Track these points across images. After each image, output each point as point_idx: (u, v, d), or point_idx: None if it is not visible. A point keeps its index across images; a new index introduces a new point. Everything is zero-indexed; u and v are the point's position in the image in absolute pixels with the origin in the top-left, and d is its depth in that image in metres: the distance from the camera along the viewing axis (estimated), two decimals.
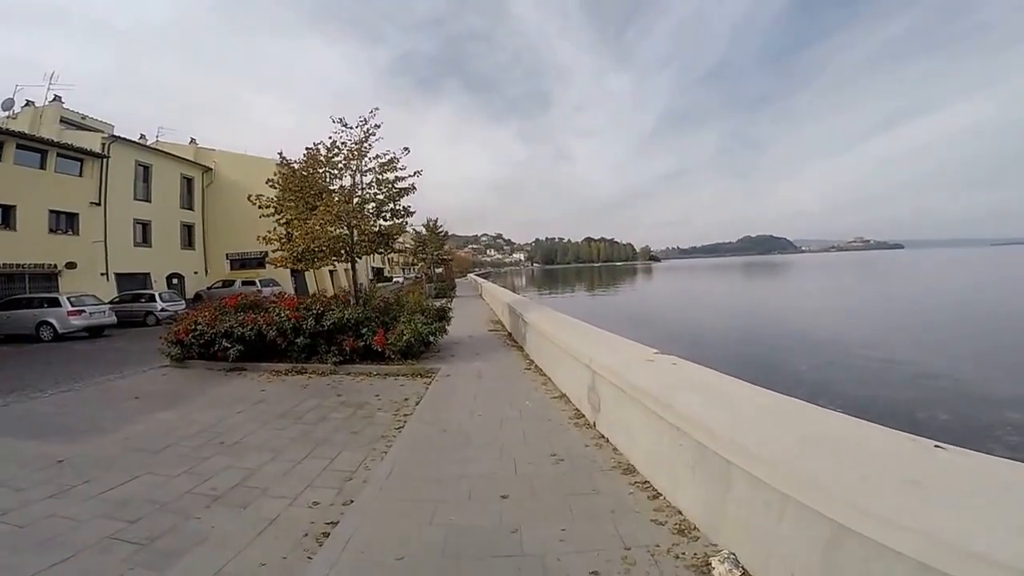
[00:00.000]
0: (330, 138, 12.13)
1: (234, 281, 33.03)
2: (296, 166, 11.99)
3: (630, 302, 51.95)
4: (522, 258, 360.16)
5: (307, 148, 12.18)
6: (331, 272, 49.05)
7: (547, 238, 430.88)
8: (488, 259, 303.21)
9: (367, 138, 12.11)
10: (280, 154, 12.31)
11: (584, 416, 6.63)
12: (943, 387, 14.59)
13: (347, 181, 12.25)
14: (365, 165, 12.19)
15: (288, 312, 10.62)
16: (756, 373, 16.04)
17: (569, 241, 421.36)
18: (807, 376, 16.46)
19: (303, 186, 11.62)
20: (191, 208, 36.65)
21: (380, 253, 12.80)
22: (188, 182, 36.80)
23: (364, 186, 12.24)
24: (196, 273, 36.14)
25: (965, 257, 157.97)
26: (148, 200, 32.51)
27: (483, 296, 31.62)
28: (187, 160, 36.62)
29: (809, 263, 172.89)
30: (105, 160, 29.01)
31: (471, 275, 79.98)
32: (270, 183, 11.99)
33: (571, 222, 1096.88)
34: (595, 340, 7.39)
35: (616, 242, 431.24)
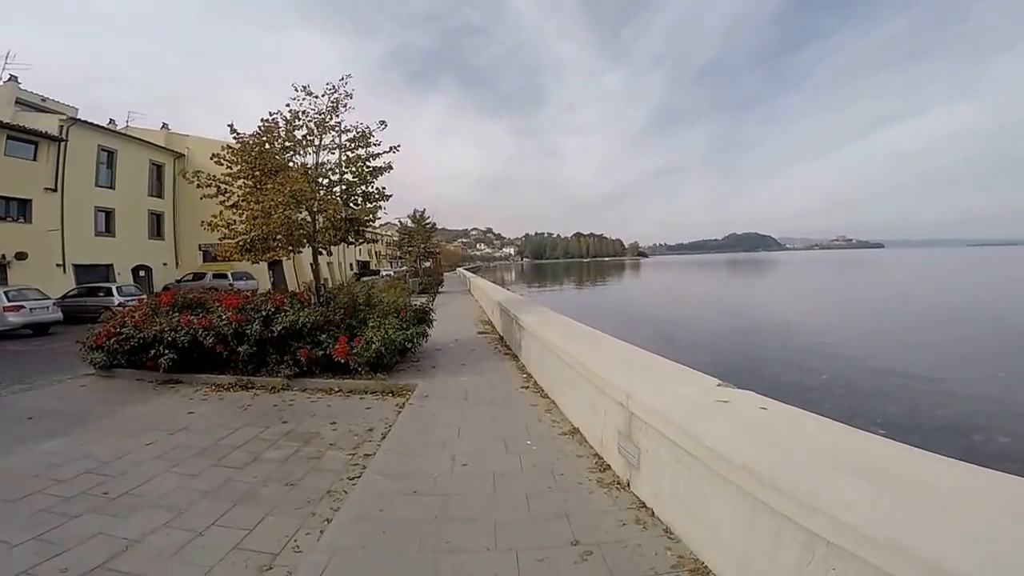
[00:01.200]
0: (289, 107, 10.13)
1: (205, 274, 30.95)
2: (248, 140, 9.97)
3: (619, 298, 50.41)
4: (512, 253, 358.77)
5: (263, 119, 10.17)
6: (313, 265, 47.06)
7: (537, 233, 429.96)
8: (478, 253, 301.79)
9: (336, 108, 10.15)
10: (230, 126, 10.27)
11: (610, 467, 4.77)
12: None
13: (311, 159, 10.26)
14: (332, 140, 10.22)
15: (229, 314, 8.61)
16: (777, 380, 14.61)
17: (559, 236, 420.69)
18: (830, 387, 14.72)
19: (256, 163, 9.61)
20: (160, 196, 34.27)
21: (350, 243, 10.81)
22: (158, 168, 34.40)
23: (331, 165, 10.25)
24: (165, 265, 33.86)
25: (949, 257, 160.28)
26: (112, 187, 30.20)
27: (472, 292, 29.67)
28: (157, 146, 34.17)
29: (794, 260, 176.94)
30: (63, 144, 26.71)
31: (460, 269, 77.92)
32: (216, 159, 9.97)
33: (561, 218, 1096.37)
34: (623, 360, 5.52)
35: (605, 238, 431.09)
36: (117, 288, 22.69)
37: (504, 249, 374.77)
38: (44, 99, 32.01)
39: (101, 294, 22.54)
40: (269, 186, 9.09)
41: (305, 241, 9.66)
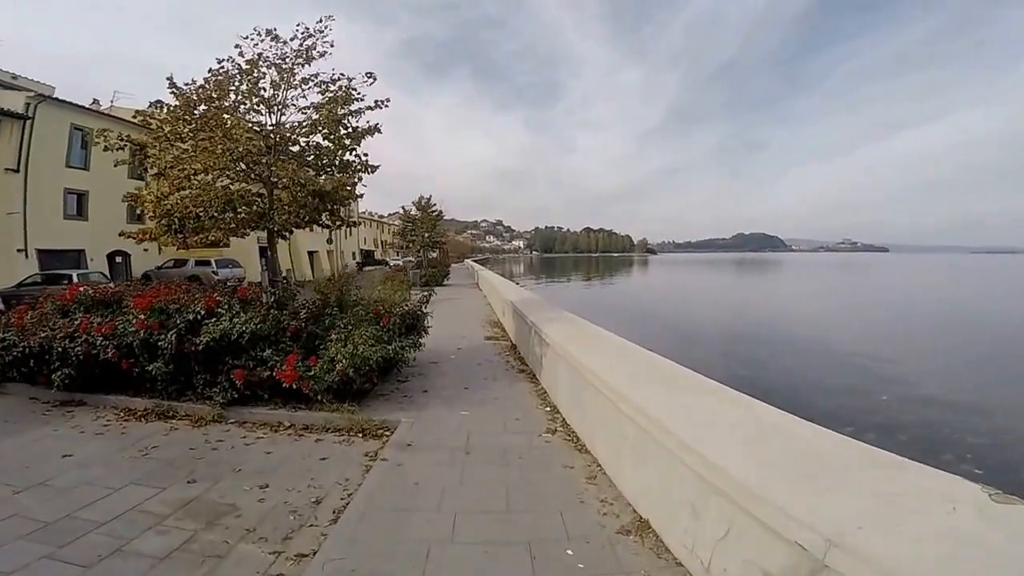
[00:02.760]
0: (239, 50, 7.73)
1: (187, 260, 28.59)
2: (193, 93, 7.56)
3: (632, 295, 47.70)
4: (521, 245, 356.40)
5: (211, 70, 7.77)
6: (270, 253, 44.45)
7: (547, 227, 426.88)
8: (487, 245, 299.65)
9: (307, 54, 7.76)
10: (169, 79, 7.82)
11: None
12: None
13: (271, 119, 7.85)
14: (301, 94, 7.82)
15: (138, 318, 6.23)
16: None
17: (568, 231, 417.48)
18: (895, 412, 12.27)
19: (202, 125, 7.18)
20: (143, 179, 31.74)
21: (325, 225, 8.42)
22: (141, 149, 31.80)
23: (297, 125, 7.83)
24: (146, 251, 31.33)
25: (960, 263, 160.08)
26: (86, 168, 27.84)
27: (480, 286, 27.25)
28: (141, 125, 31.55)
29: (804, 261, 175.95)
30: (28, 122, 24.43)
31: (468, 261, 75.51)
32: (141, 118, 7.60)
33: (571, 212, 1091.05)
34: (755, 431, 3.14)
35: (614, 233, 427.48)
36: (78, 275, 20.45)
37: (513, 242, 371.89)
38: (15, 76, 29.68)
39: (65, 281, 20.30)
40: (201, 140, 6.67)
41: (258, 221, 7.23)
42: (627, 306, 35.21)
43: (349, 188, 7.89)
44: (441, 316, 14.90)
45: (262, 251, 36.85)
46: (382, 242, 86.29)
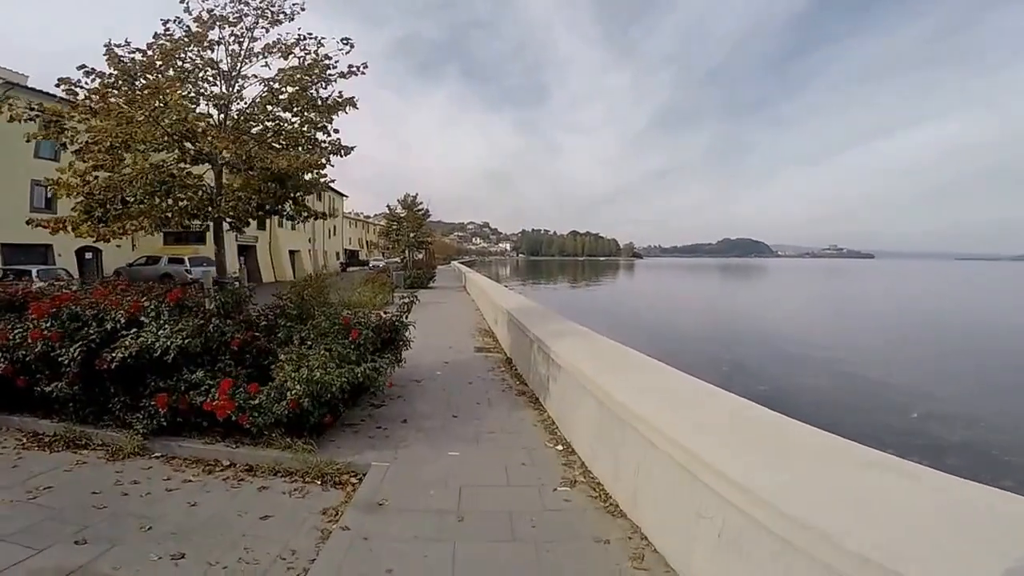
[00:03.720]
0: (187, 5, 6.41)
1: (160, 258, 27.11)
2: (130, 60, 6.20)
3: (619, 300, 46.64)
4: (508, 248, 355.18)
5: (156, 34, 6.40)
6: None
7: (533, 229, 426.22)
8: (474, 247, 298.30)
9: (272, 15, 6.46)
10: (107, 45, 6.42)
11: None
12: None
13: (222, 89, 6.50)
14: (264, 62, 6.50)
15: (39, 327, 4.89)
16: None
17: (555, 233, 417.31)
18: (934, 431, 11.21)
19: (140, 97, 5.81)
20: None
21: (288, 216, 7.07)
22: (56, 122, 30.05)
23: (260, 98, 6.48)
24: (119, 247, 29.70)
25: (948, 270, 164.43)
26: (56, 159, 26.23)
27: (467, 289, 25.93)
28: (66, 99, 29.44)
29: (791, 267, 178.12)
30: None
31: (455, 262, 74.09)
32: (66, 87, 6.24)
33: (558, 215, 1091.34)
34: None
35: (601, 237, 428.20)
36: (38, 272, 18.95)
37: (500, 244, 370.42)
38: None
39: (25, 278, 18.78)
40: (133, 111, 5.32)
41: (204, 208, 5.88)
42: (616, 311, 34.06)
43: (317, 171, 6.57)
44: (426, 323, 13.58)
45: (241, 249, 35.31)
46: (367, 242, 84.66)
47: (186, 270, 25.69)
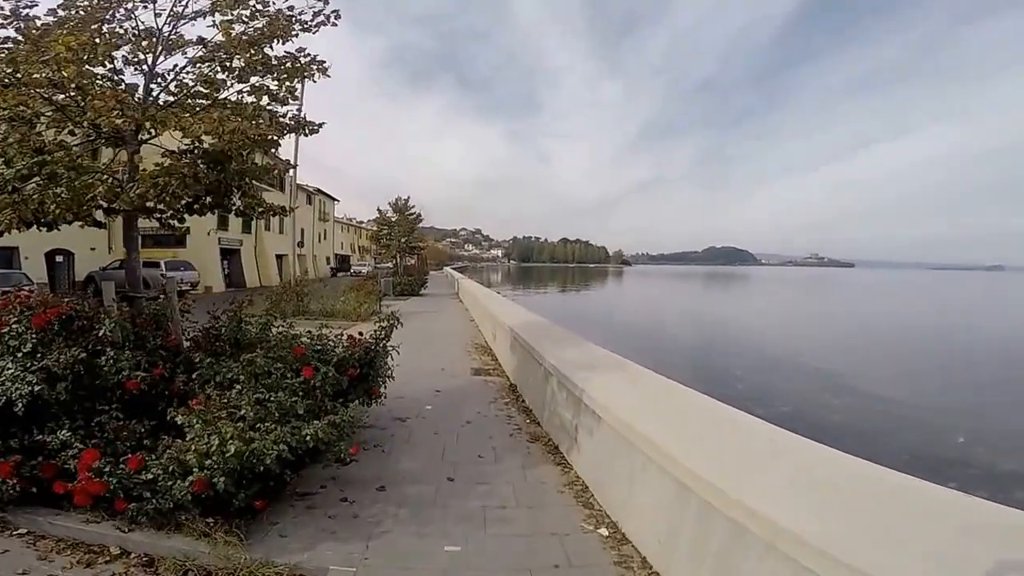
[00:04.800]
0: None
1: None
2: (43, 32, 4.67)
3: (611, 305, 45.27)
4: (499, 255, 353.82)
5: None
6: (280, 257, 41.07)
7: (524, 236, 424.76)
8: (466, 253, 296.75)
9: None
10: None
11: None
12: None
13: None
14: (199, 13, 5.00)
15: None
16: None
17: (546, 241, 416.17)
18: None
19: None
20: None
21: (227, 208, 5.48)
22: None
23: (200, 59, 4.95)
24: (94, 250, 27.87)
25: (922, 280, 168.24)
26: None
27: (460, 296, 24.41)
28: None
29: (776, 276, 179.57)
30: None
31: (447, 268, 72.36)
32: None
33: (549, 222, 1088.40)
34: None
35: (591, 244, 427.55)
36: None
37: (492, 251, 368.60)
38: None
39: None
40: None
41: (108, 197, 4.34)
42: (608, 319, 32.56)
43: (265, 149, 5.07)
44: (416, 337, 12.04)
45: (224, 253, 33.64)
46: (360, 248, 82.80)
47: (162, 275, 24.05)
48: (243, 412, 3.20)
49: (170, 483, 2.94)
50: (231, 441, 2.93)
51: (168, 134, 4.54)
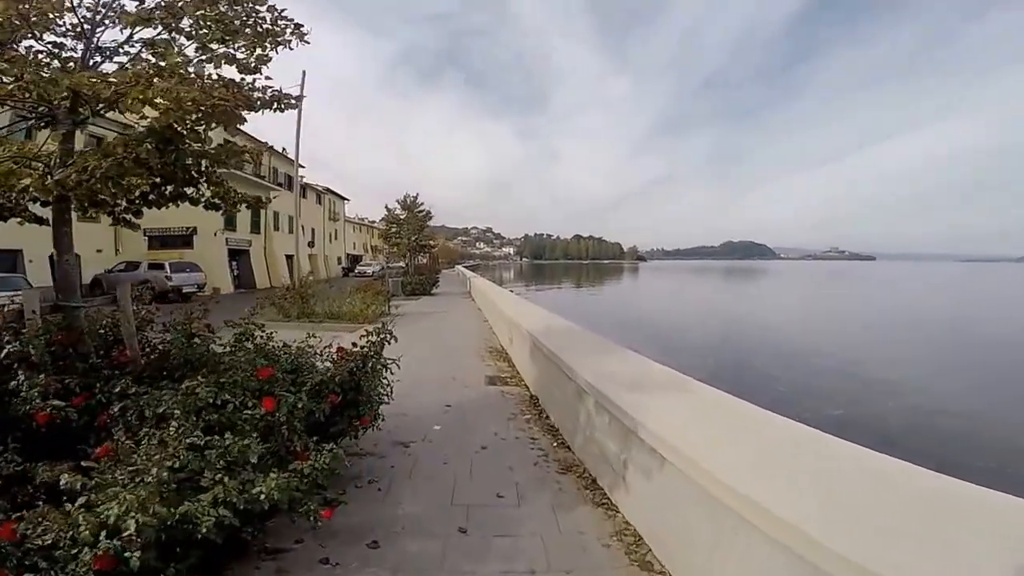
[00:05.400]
0: None
1: (140, 263, 24.80)
2: None
3: (630, 302, 43.97)
4: (511, 252, 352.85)
5: None
6: (289, 257, 40.28)
7: (536, 234, 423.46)
8: (477, 251, 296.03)
9: None
10: None
11: None
12: None
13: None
14: None
15: None
16: None
17: (558, 238, 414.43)
18: None
19: None
20: None
21: (204, 201, 4.59)
22: (97, 141, 27.85)
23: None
24: (100, 252, 27.35)
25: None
26: None
27: (472, 295, 23.49)
28: None
29: (794, 270, 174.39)
30: None
31: (459, 267, 71.46)
32: None
33: (561, 219, 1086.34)
34: None
35: (604, 241, 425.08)
36: None
37: (503, 249, 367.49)
38: None
39: None
40: None
41: (39, 186, 3.46)
42: (630, 317, 31.36)
43: (230, 122, 4.16)
44: (425, 339, 11.13)
45: (233, 254, 32.98)
46: (372, 247, 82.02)
47: (166, 276, 23.43)
48: (171, 463, 2.29)
49: (71, 551, 2.04)
50: (132, 514, 2.01)
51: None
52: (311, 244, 48.75)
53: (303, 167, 45.71)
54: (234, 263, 33.21)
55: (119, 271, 24.93)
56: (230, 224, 31.69)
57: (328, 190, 55.99)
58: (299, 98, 4.67)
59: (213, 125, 4.29)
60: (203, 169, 4.34)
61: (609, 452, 3.85)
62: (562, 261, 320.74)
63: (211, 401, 2.85)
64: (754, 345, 21.44)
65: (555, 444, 5.10)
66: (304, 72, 17.23)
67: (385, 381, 4.22)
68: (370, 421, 3.95)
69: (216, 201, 4.70)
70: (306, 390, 3.41)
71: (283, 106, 4.51)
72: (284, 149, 39.31)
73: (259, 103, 4.40)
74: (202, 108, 3.73)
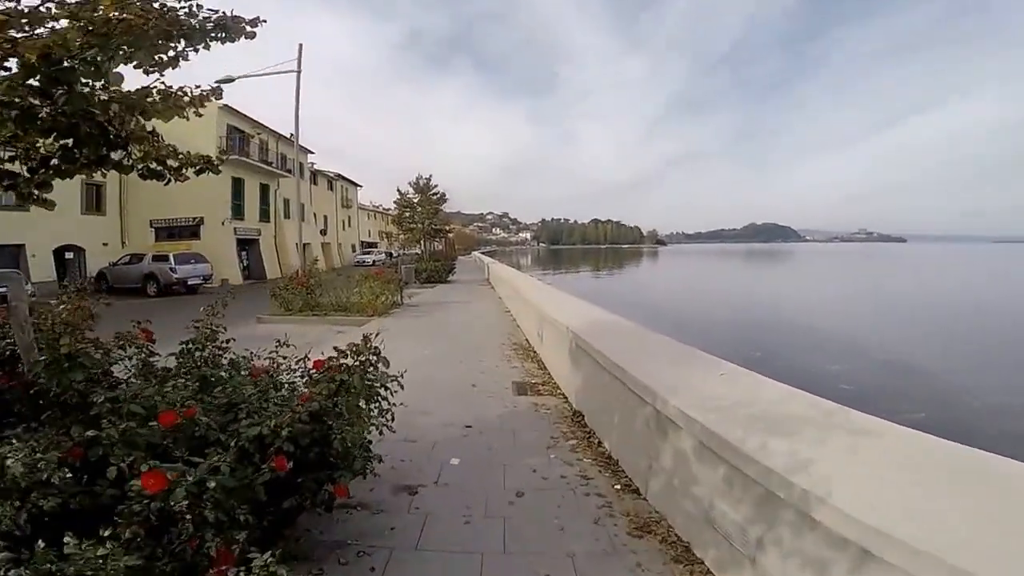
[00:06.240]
0: None
1: (144, 256, 23.79)
2: None
3: (649, 286, 42.15)
4: (528, 237, 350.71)
5: None
6: (302, 245, 38.92)
7: (553, 218, 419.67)
8: (494, 237, 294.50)
9: None
10: None
11: None
12: None
13: None
14: None
15: None
16: None
17: (576, 222, 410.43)
18: None
19: None
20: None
21: (120, 166, 3.27)
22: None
23: None
24: (106, 245, 26.41)
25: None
26: None
27: (491, 282, 22.13)
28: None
29: (820, 252, 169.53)
30: None
31: (476, 253, 70.06)
32: None
33: (578, 203, 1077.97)
34: None
35: (623, 224, 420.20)
36: None
37: (520, 234, 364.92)
38: None
39: None
40: None
41: None
42: (656, 304, 29.62)
43: (148, 60, 2.82)
44: (438, 335, 9.70)
45: (242, 243, 31.86)
46: (387, 234, 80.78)
47: (171, 268, 22.38)
48: None
49: None
50: None
51: None
52: (323, 232, 47.61)
53: (312, 152, 44.62)
54: (243, 253, 32.17)
55: (123, 264, 24.02)
56: (238, 213, 30.64)
57: (340, 176, 54.70)
58: (255, 21, 3.27)
59: (123, 52, 2.93)
60: (113, 119, 2.99)
61: (723, 519, 2.47)
62: (580, 246, 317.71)
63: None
64: (797, 334, 19.83)
65: (617, 487, 3.71)
66: (301, 45, 15.92)
67: (381, 406, 2.88)
68: (347, 492, 2.57)
69: (154, 166, 3.38)
70: (239, 446, 2.07)
71: (231, 36, 3.14)
72: (291, 135, 38.16)
73: (195, 29, 3.02)
74: (90, 27, 2.40)
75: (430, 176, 29.00)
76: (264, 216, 34.02)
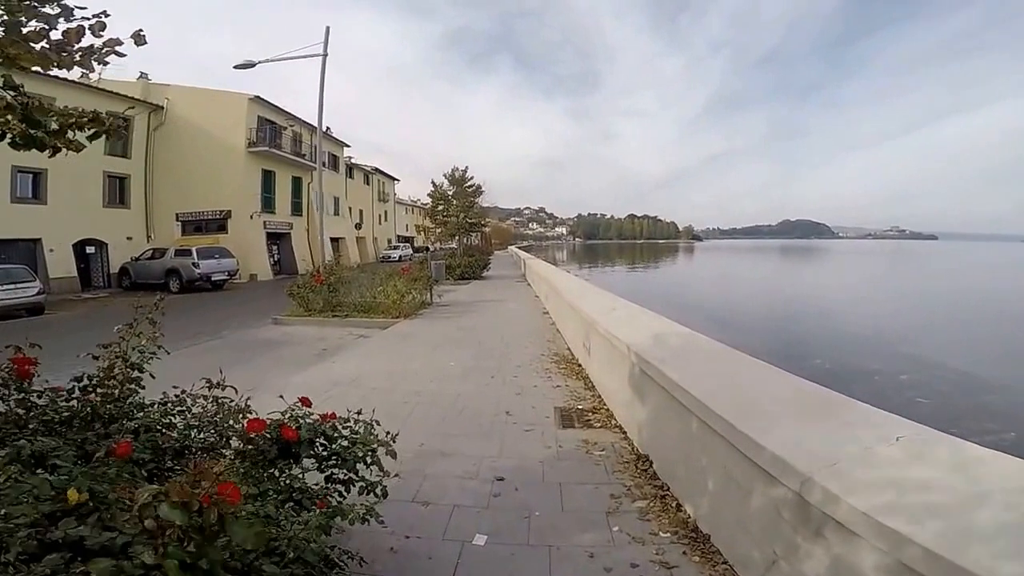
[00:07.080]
0: None
1: (166, 250, 23.26)
2: None
3: (690, 283, 40.19)
4: (564, 232, 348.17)
5: None
6: (336, 240, 38.38)
7: (590, 213, 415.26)
8: (530, 232, 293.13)
9: None
10: None
11: None
12: None
13: None
14: None
15: None
16: None
17: (612, 217, 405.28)
18: None
19: None
20: (126, 155, 26.17)
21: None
22: (123, 123, 26.22)
23: None
24: (130, 239, 25.76)
25: None
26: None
27: (529, 279, 20.92)
28: (120, 95, 24.22)
29: (853, 249, 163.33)
30: None
31: (512, 248, 68.83)
32: None
33: (615, 199, 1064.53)
34: None
35: (659, 220, 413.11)
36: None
37: (556, 229, 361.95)
38: None
39: None
40: None
41: None
42: (695, 301, 27.79)
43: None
44: (465, 345, 8.60)
45: (272, 237, 31.29)
46: (424, 229, 79.62)
47: (193, 263, 21.72)
48: None
49: None
50: None
51: None
52: (358, 226, 47.03)
53: (348, 146, 44.02)
54: (274, 247, 31.63)
55: (146, 259, 23.52)
56: (268, 206, 30.03)
57: (377, 170, 54.08)
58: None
59: None
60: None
61: None
62: (616, 241, 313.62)
63: None
64: (848, 337, 18.15)
65: None
66: (328, 28, 14.93)
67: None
68: None
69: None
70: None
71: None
72: (328, 128, 37.56)
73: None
74: None
75: (466, 168, 27.86)
76: (296, 210, 33.43)
